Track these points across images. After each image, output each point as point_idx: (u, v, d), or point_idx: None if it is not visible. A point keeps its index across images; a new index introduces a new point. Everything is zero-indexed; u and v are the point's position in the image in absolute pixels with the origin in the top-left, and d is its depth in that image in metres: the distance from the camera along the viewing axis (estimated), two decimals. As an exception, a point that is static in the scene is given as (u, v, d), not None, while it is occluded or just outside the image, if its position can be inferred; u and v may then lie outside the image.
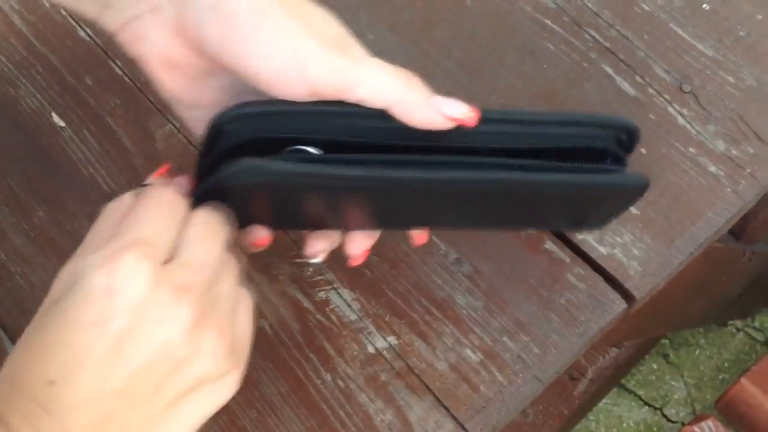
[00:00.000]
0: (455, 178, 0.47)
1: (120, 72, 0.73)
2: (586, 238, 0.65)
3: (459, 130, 0.47)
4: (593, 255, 0.64)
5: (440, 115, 0.45)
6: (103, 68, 0.73)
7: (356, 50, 0.45)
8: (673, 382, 1.69)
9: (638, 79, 0.71)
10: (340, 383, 0.61)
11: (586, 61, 0.72)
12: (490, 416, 0.59)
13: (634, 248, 0.64)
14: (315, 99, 0.44)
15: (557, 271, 0.64)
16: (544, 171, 0.49)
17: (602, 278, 0.63)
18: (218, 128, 0.45)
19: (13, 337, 0.63)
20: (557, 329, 0.62)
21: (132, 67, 0.73)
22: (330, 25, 0.45)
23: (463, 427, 0.59)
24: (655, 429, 1.65)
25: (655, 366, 1.70)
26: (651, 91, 0.70)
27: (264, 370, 0.62)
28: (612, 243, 0.64)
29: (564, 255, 0.64)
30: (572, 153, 0.50)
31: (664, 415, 1.66)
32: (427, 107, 0.45)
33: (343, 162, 0.46)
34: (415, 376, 0.61)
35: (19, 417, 0.39)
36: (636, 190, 0.53)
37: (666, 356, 1.70)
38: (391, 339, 0.62)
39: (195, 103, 0.49)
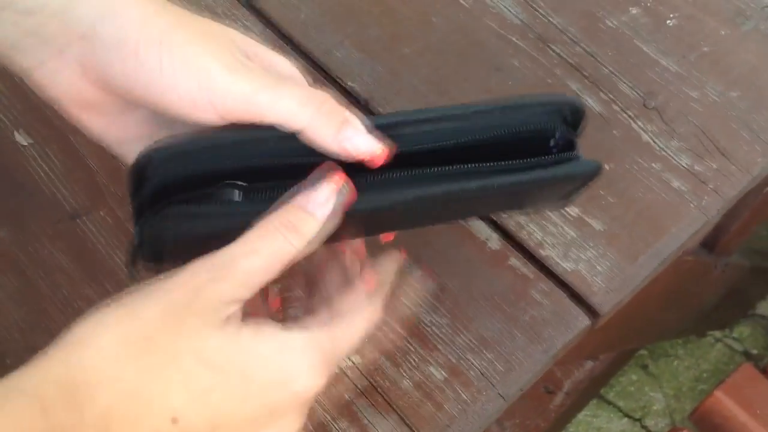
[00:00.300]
0: (402, 200, 0.46)
1: (84, 90, 0.72)
2: (550, 254, 0.65)
3: (399, 131, 0.46)
4: (557, 270, 0.64)
5: (345, 150, 0.43)
6: (67, 87, 0.73)
7: (264, 76, 0.44)
8: (653, 393, 1.69)
9: (603, 95, 0.71)
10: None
11: (551, 78, 0.72)
12: (454, 435, 0.59)
13: (598, 264, 0.64)
14: (229, 124, 0.43)
15: (521, 288, 0.64)
16: (498, 173, 0.47)
17: (566, 294, 0.63)
18: (139, 172, 0.44)
19: (-26, 358, 0.63)
20: (521, 346, 0.62)
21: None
22: (237, 45, 0.45)
23: (426, 446, 0.59)
24: (635, 440, 1.65)
25: (634, 377, 1.70)
26: (615, 107, 0.71)
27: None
28: (576, 259, 0.64)
29: (528, 271, 0.64)
30: (521, 139, 0.49)
31: (644, 426, 1.66)
32: (334, 140, 0.43)
33: (269, 199, 0.44)
34: (380, 394, 0.60)
35: None
36: (590, 176, 0.53)
37: (645, 367, 1.70)
38: (356, 358, 0.62)
39: (121, 138, 0.48)
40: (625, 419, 1.67)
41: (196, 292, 0.40)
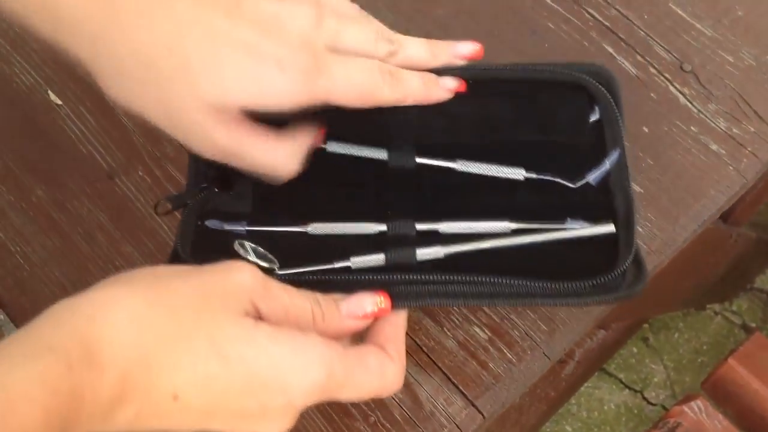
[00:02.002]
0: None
1: (117, 49, 0.72)
2: (591, 216, 0.65)
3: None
4: (598, 233, 0.64)
5: None
6: (100, 45, 0.72)
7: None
8: (653, 366, 1.70)
9: (639, 58, 0.71)
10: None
11: (587, 40, 0.72)
12: (500, 393, 0.59)
13: (639, 226, 0.64)
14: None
15: (563, 249, 0.64)
16: (528, 296, 0.51)
17: (608, 255, 0.64)
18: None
19: (13, 315, 0.62)
20: (564, 307, 0.62)
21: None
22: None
23: (473, 404, 0.59)
24: (635, 411, 1.67)
25: (635, 350, 1.71)
26: (652, 70, 0.71)
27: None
28: (617, 220, 0.65)
29: (570, 232, 0.64)
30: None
31: (645, 398, 1.68)
32: None
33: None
34: (425, 353, 0.61)
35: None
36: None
37: (646, 340, 1.72)
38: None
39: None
40: (626, 391, 1.68)
41: (228, 279, 0.42)
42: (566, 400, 1.56)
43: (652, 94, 0.70)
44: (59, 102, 0.69)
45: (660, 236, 0.64)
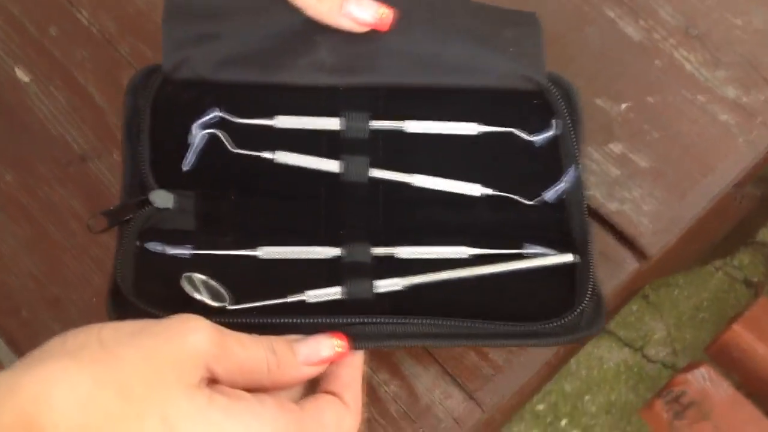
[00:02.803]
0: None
1: (86, 22, 0.67)
2: (593, 194, 0.61)
3: None
4: (602, 212, 0.61)
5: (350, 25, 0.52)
6: (68, 19, 0.67)
7: None
8: (653, 323, 1.68)
9: (642, 22, 0.67)
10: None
11: (588, 5, 0.68)
12: (501, 385, 0.56)
13: (644, 203, 0.61)
14: None
15: (564, 230, 0.60)
16: (489, 337, 0.50)
17: (613, 236, 0.60)
18: None
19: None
20: (566, 291, 0.59)
21: (100, 15, 0.67)
22: None
23: (471, 397, 0.56)
24: (635, 369, 1.65)
25: (634, 307, 1.68)
26: (656, 35, 0.67)
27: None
28: (621, 199, 0.61)
29: (571, 212, 0.61)
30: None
31: (644, 356, 1.66)
32: (337, 19, 0.52)
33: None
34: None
35: None
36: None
37: (645, 297, 1.69)
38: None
39: None
40: (626, 349, 1.66)
41: (183, 345, 0.39)
42: (566, 363, 1.54)
43: (656, 61, 0.66)
44: (27, 79, 0.65)
45: (667, 214, 0.61)
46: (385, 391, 0.56)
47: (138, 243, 0.52)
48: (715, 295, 1.70)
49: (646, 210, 0.61)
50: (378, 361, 0.57)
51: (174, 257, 0.52)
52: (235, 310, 0.50)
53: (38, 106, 0.64)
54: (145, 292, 0.50)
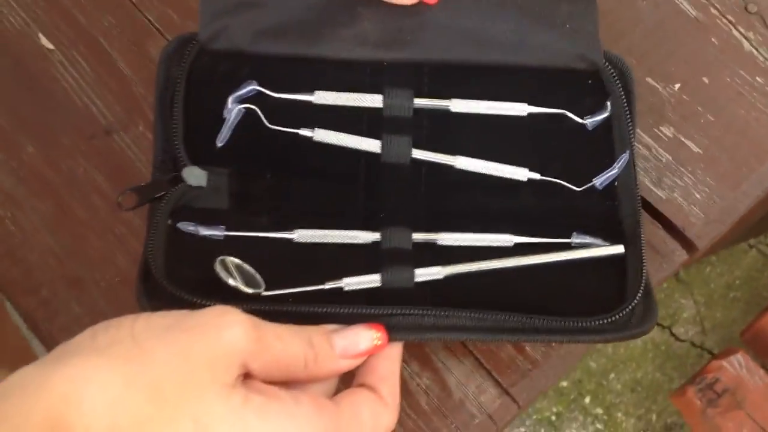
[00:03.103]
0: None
1: (114, -14, 0.64)
2: (642, 180, 0.58)
3: None
4: (650, 199, 0.58)
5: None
6: (95, -19, 0.64)
7: None
8: (683, 300, 1.65)
9: (699, -4, 0.63)
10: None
11: (641, -24, 0.64)
12: (537, 380, 0.54)
13: (696, 191, 0.58)
14: None
15: (611, 218, 0.57)
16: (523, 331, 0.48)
17: (660, 225, 0.57)
18: None
19: (4, 286, 0.57)
20: (610, 282, 0.56)
21: (127, -20, 0.64)
22: None
23: (507, 392, 0.53)
24: (662, 348, 1.62)
25: (664, 284, 1.65)
26: (713, 11, 0.63)
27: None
28: (671, 186, 0.58)
29: (618, 199, 0.58)
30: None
31: (673, 334, 1.63)
32: None
33: None
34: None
35: None
36: None
37: (676, 274, 1.66)
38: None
39: None
40: (654, 326, 1.63)
41: (219, 341, 0.37)
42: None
43: (713, 39, 0.62)
44: (51, 46, 0.63)
45: (719, 203, 0.57)
46: (417, 384, 0.54)
47: (170, 222, 0.51)
48: (748, 274, 1.67)
49: (697, 199, 0.58)
50: (409, 351, 0.54)
51: (206, 238, 0.51)
52: (270, 296, 0.48)
53: (62, 75, 0.62)
54: (177, 275, 0.48)
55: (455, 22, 0.52)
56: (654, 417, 1.56)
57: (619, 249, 0.50)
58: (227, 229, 0.51)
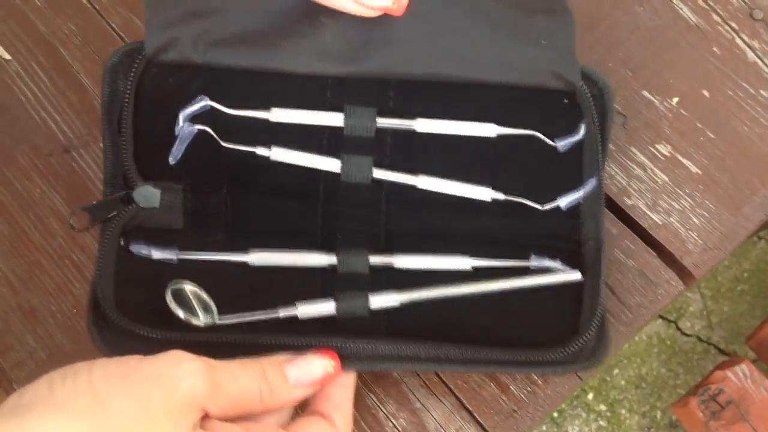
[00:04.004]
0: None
1: (75, -10, 0.60)
2: (635, 204, 0.54)
3: None
4: (645, 224, 0.54)
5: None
6: (56, -15, 0.60)
7: None
8: (689, 294, 1.61)
9: (700, 2, 0.59)
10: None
11: (638, -20, 0.60)
12: (521, 422, 0.50)
13: (694, 216, 0.54)
14: None
15: (602, 245, 0.53)
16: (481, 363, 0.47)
17: (655, 254, 0.53)
18: None
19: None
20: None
21: (90, -16, 0.60)
22: None
23: (489, 434, 0.50)
24: (668, 342, 1.58)
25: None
26: (715, 17, 0.58)
27: (253, 363, 0.53)
28: (668, 210, 0.54)
29: (610, 224, 0.54)
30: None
31: (679, 328, 1.59)
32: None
33: None
34: (434, 373, 0.51)
35: None
36: None
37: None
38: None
39: None
40: (659, 321, 1.60)
41: (176, 389, 0.38)
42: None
43: (714, 48, 0.58)
44: (7, 56, 0.59)
45: (719, 230, 0.54)
46: (393, 426, 0.50)
47: (122, 242, 0.49)
48: (756, 266, 1.63)
49: (695, 224, 0.54)
50: (385, 389, 0.51)
51: (160, 260, 0.50)
52: (223, 325, 0.48)
53: (19, 87, 0.58)
54: (128, 301, 0.47)
55: (424, 35, 0.48)
56: (658, 414, 1.53)
57: (576, 276, 0.49)
58: (182, 248, 0.50)
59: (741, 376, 0.92)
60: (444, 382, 0.51)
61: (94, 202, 0.49)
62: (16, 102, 0.58)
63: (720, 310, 1.59)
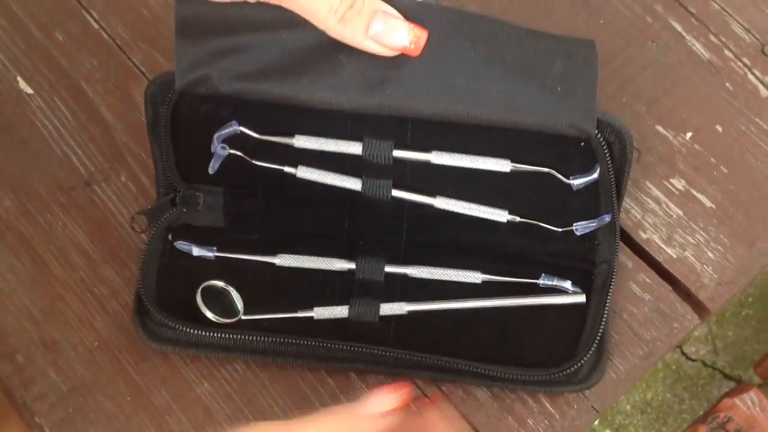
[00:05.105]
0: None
1: (96, 26, 0.61)
2: (651, 238, 0.55)
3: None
4: (660, 258, 0.54)
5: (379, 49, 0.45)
6: (77, 21, 0.61)
7: None
8: (694, 319, 1.61)
9: (712, 38, 0.60)
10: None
11: (651, 16, 0.60)
12: (541, 458, 0.51)
13: (709, 250, 0.55)
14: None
15: (618, 279, 0.54)
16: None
17: (671, 288, 0.54)
18: None
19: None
20: (618, 350, 0.53)
21: (111, 19, 0.61)
22: None
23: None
24: (673, 367, 1.58)
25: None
26: (728, 53, 0.59)
27: (274, 398, 0.53)
28: (682, 243, 0.55)
29: (626, 258, 0.55)
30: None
31: (684, 353, 1.59)
32: (363, 41, 0.44)
33: None
34: (451, 404, 0.52)
35: None
36: None
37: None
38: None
39: None
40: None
41: None
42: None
43: (727, 84, 0.58)
44: (30, 91, 0.60)
45: (733, 264, 0.54)
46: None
47: (170, 238, 0.55)
48: (761, 291, 1.63)
49: (710, 258, 0.54)
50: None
51: (199, 258, 0.55)
52: (247, 320, 0.53)
53: (42, 122, 0.59)
54: (169, 293, 0.53)
55: (440, 75, 0.49)
56: (665, 440, 1.53)
57: (579, 298, 0.52)
58: (222, 247, 0.55)
59: (750, 404, 0.92)
60: (464, 416, 0.51)
61: (149, 207, 0.54)
62: (38, 136, 0.58)
63: (725, 335, 1.60)
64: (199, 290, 0.53)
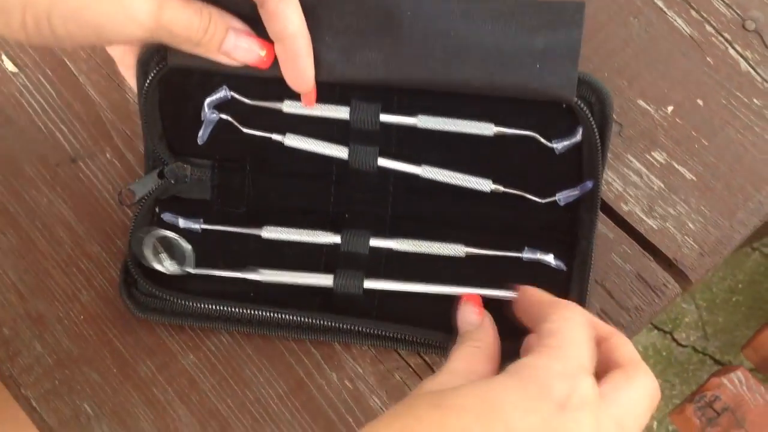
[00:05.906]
0: None
1: (82, 4, 0.61)
2: (632, 210, 0.55)
3: None
4: (641, 229, 0.55)
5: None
6: None
7: None
8: (684, 305, 1.62)
9: (693, 13, 0.60)
10: (348, 384, 0.53)
11: (633, -9, 0.61)
12: None
13: (689, 221, 0.55)
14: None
15: (599, 250, 0.54)
16: None
17: (652, 258, 0.54)
18: None
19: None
20: (601, 319, 0.53)
21: (96, -2, 0.61)
22: None
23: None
24: (664, 353, 1.59)
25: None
26: (708, 28, 0.60)
27: (258, 368, 0.54)
28: (663, 215, 0.55)
29: (607, 230, 0.55)
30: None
31: (674, 339, 1.60)
32: (218, 55, 0.47)
33: None
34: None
35: None
36: None
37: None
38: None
39: None
40: (655, 331, 1.61)
41: None
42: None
43: (708, 59, 0.59)
44: (14, 69, 0.60)
45: (714, 234, 0.55)
46: None
47: (157, 210, 0.55)
48: (750, 278, 1.64)
49: (691, 229, 0.55)
50: (388, 392, 0.51)
51: (186, 229, 0.55)
52: (197, 273, 0.54)
53: (27, 99, 0.59)
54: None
55: (422, 39, 0.49)
56: (655, 425, 1.54)
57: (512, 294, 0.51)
58: (209, 219, 0.55)
59: (737, 383, 0.93)
60: (446, 386, 0.52)
61: (137, 180, 0.54)
62: (23, 114, 0.59)
63: (715, 321, 1.60)
64: (145, 238, 0.53)
